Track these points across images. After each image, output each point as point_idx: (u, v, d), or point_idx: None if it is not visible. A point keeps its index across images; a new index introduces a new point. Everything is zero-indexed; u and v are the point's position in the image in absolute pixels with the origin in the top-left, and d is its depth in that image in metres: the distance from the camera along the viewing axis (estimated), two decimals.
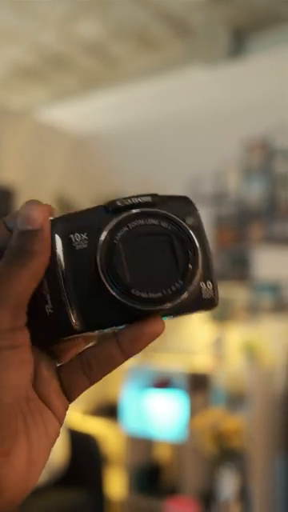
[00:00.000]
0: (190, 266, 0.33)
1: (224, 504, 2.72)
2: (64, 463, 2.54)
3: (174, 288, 0.33)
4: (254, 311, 3.08)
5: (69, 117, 3.96)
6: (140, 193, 0.36)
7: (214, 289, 0.35)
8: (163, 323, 0.33)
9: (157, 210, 0.34)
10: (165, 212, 0.34)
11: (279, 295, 3.05)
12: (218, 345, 3.03)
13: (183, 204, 0.36)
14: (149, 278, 0.33)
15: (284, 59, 3.19)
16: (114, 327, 0.34)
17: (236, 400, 2.80)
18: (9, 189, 3.19)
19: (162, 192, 0.37)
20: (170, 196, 0.36)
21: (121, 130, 3.78)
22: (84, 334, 0.34)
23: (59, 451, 2.50)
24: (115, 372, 0.35)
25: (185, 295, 0.33)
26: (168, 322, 0.35)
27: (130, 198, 0.35)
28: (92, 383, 0.35)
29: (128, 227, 0.34)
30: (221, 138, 3.28)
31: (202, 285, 0.34)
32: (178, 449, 2.98)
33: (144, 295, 0.33)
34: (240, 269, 3.18)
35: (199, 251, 0.34)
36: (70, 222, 0.34)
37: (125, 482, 3.01)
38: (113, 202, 0.35)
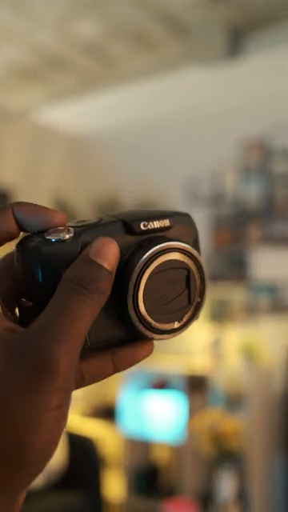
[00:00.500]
0: (199, 298, 0.36)
1: (222, 505, 2.71)
2: (62, 465, 2.53)
3: (185, 319, 0.36)
4: (251, 312, 3.07)
5: (66, 117, 3.95)
6: (156, 209, 0.37)
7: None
8: (153, 347, 0.36)
9: (184, 245, 0.35)
10: (189, 248, 0.35)
11: (277, 296, 3.04)
12: (216, 346, 3.02)
13: (188, 225, 0.37)
14: (166, 310, 0.35)
15: (281, 59, 3.19)
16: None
17: (234, 401, 2.80)
18: (5, 191, 3.18)
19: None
20: (177, 214, 0.37)
21: (118, 130, 3.77)
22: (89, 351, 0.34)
23: (57, 454, 2.49)
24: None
25: (192, 323, 0.36)
26: None
27: (149, 219, 0.35)
28: (76, 389, 0.34)
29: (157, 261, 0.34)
30: (218, 138, 3.28)
31: None
32: (176, 450, 2.97)
33: (161, 327, 0.35)
34: (238, 269, 3.17)
35: (206, 282, 0.36)
36: (92, 235, 0.33)
37: (123, 483, 3.00)
38: (135, 224, 0.34)
